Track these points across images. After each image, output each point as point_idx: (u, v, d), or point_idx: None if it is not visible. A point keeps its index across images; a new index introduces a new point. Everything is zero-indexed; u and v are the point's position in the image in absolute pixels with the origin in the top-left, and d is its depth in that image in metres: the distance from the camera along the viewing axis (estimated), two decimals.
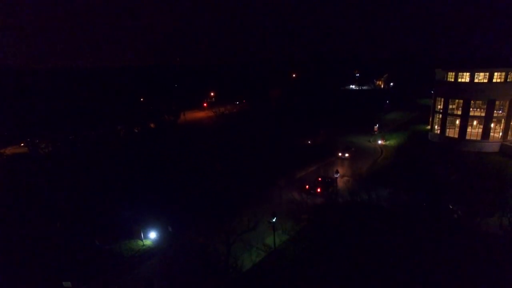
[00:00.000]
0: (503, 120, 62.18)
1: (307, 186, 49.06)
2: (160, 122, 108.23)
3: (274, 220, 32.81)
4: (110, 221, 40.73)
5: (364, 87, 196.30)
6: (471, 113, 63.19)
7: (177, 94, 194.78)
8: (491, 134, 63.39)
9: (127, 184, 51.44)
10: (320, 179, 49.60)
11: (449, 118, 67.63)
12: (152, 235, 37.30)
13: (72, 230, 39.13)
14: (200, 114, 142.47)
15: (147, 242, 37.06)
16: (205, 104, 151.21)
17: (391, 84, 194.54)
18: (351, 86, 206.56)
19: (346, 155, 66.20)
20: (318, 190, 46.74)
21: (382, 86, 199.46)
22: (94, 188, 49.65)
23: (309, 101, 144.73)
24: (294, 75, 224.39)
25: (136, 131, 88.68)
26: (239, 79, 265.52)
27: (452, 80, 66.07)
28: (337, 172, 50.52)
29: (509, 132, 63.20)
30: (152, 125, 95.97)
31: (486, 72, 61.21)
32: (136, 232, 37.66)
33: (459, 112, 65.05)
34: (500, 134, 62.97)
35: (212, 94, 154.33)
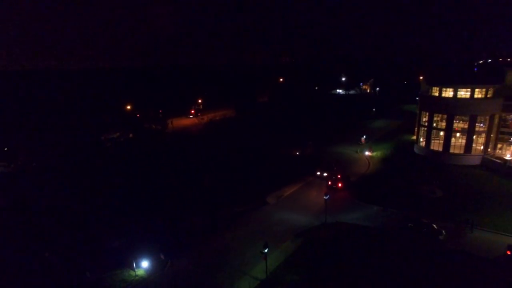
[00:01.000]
0: (483, 134, 64.31)
1: (329, 182, 58.72)
2: (148, 132, 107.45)
3: (266, 250, 33.21)
4: (100, 250, 40.42)
5: (351, 92, 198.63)
6: (455, 125, 65.25)
7: (164, 98, 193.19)
8: (473, 146, 65.42)
9: (116, 208, 51.09)
10: (339, 176, 59.36)
11: (433, 131, 69.51)
12: (145, 264, 37.18)
13: (61, 261, 38.65)
14: (187, 122, 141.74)
15: (140, 272, 36.92)
16: (192, 111, 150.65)
17: (377, 89, 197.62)
18: (337, 91, 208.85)
19: (325, 174, 62.44)
20: (339, 184, 57.38)
21: (368, 91, 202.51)
22: (82, 213, 49.13)
23: (297, 107, 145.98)
24: (281, 79, 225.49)
25: (123, 145, 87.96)
26: (225, 83, 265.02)
27: (437, 94, 67.90)
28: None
29: (490, 146, 65.42)
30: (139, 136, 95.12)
31: (468, 88, 63.26)
32: (128, 261, 37.45)
33: (443, 125, 66.97)
34: (481, 147, 65.07)
35: (199, 101, 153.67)
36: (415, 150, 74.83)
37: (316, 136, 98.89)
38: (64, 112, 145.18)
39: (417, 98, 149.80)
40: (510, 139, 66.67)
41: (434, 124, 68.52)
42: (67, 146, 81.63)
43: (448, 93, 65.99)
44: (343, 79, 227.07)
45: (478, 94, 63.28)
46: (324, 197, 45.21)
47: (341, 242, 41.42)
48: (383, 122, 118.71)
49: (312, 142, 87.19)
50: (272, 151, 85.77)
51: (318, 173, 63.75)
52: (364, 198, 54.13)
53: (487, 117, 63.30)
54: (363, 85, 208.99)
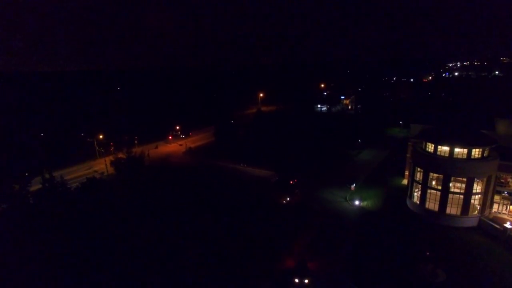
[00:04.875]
0: (480, 196, 61.23)
1: None
2: (123, 174, 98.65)
3: None
4: None
5: (334, 109, 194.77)
6: (451, 186, 61.77)
7: (138, 119, 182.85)
8: (471, 202, 62.19)
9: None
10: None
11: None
12: None
13: None
14: (165, 149, 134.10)
15: None
16: (170, 137, 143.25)
17: (359, 106, 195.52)
18: (318, 106, 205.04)
19: (306, 281, 48.47)
20: None
21: (350, 107, 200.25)
22: None
23: (282, 130, 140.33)
24: (261, 95, 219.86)
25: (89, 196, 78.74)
26: (204, 98, 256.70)
27: (431, 150, 64.19)
28: None
29: (487, 205, 62.45)
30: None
31: (465, 148, 59.81)
32: None
33: (439, 184, 63.44)
34: (478, 209, 62.01)
35: (177, 127, 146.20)
36: (408, 204, 71.05)
37: (302, 172, 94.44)
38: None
39: (400, 122, 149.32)
40: (504, 193, 63.99)
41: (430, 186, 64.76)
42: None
43: (444, 149, 62.35)
44: (325, 93, 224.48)
45: (475, 153, 59.98)
46: None
47: None
48: (369, 153, 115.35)
49: (299, 189, 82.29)
50: (256, 200, 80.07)
51: (297, 280, 48.89)
52: (358, 280, 49.53)
53: (484, 179, 60.25)
54: (344, 98, 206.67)
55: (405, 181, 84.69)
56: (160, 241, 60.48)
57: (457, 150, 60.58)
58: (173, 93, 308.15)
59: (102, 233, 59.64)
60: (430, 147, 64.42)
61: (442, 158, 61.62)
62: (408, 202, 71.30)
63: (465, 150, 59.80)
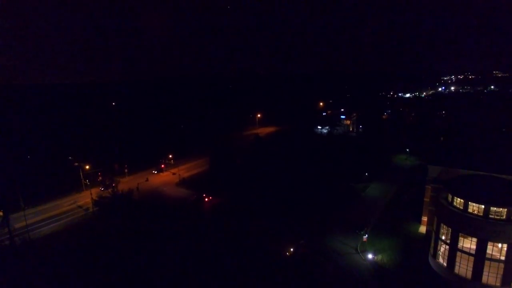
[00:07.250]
0: None
1: None
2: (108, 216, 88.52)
3: None
4: None
5: (334, 131, 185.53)
6: (488, 252, 52.30)
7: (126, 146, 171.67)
8: None
9: None
10: None
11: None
12: None
13: None
14: (157, 179, 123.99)
15: None
16: (162, 166, 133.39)
17: (361, 127, 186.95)
18: (318, 127, 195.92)
19: None
20: None
21: (351, 129, 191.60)
22: None
23: (282, 161, 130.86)
24: (259, 115, 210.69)
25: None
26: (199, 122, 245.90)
27: (461, 207, 54.92)
28: None
29: None
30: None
31: (504, 208, 50.67)
32: None
33: (472, 247, 53.96)
34: None
35: (170, 156, 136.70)
36: (432, 264, 61.26)
37: (306, 216, 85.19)
38: None
39: (407, 150, 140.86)
40: None
41: (460, 244, 55.27)
42: None
43: (476, 206, 53.20)
44: (324, 113, 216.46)
45: None
46: None
47: None
48: (377, 187, 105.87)
49: (304, 241, 72.67)
50: (256, 248, 71.01)
51: None
52: None
53: None
54: (345, 118, 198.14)
55: (422, 228, 75.40)
56: None
57: (493, 208, 51.46)
58: (164, 110, 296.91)
59: None
60: (458, 202, 55.24)
61: (475, 218, 52.25)
62: (431, 261, 61.58)
63: (505, 210, 50.69)
